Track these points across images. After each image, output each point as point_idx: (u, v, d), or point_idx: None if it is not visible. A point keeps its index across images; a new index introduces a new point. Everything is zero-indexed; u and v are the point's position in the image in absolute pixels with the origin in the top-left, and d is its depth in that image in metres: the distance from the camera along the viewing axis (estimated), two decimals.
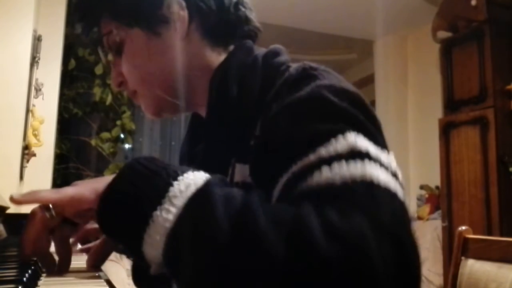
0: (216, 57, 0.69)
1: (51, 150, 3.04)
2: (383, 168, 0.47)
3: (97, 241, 0.70)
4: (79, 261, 0.68)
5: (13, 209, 2.17)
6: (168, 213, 0.42)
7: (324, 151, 0.47)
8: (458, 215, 3.21)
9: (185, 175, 0.46)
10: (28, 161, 2.70)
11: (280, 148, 0.51)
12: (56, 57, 3.08)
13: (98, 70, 3.61)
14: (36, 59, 2.68)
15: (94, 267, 0.66)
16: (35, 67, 2.71)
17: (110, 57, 0.72)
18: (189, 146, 0.75)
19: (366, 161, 0.46)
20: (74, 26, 3.51)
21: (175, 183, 0.44)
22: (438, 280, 3.42)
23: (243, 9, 0.70)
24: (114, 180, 0.47)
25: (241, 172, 0.60)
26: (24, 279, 0.52)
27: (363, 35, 4.43)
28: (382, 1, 3.62)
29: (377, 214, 0.42)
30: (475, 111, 3.21)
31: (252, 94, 0.62)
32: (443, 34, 3.55)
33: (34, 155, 2.73)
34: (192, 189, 0.44)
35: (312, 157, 0.47)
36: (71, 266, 0.64)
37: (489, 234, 2.95)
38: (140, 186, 0.45)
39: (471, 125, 3.23)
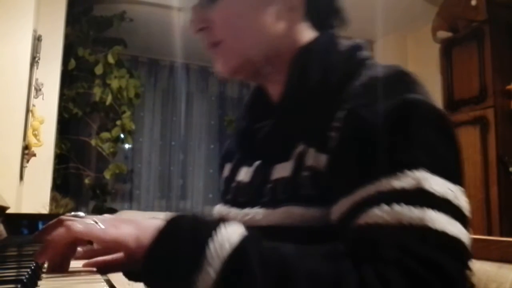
0: (306, 38, 0.69)
1: (51, 150, 3.04)
2: (446, 209, 0.49)
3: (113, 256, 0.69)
4: (78, 261, 0.68)
5: (13, 209, 2.17)
6: (207, 276, 0.46)
7: (391, 183, 0.50)
8: None
9: (218, 232, 0.48)
10: (28, 161, 2.70)
11: (354, 164, 0.54)
12: (56, 57, 3.08)
13: (98, 70, 3.61)
14: (36, 59, 2.68)
15: (99, 272, 0.67)
16: (35, 67, 2.71)
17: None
18: (250, 121, 0.74)
19: (427, 205, 0.48)
20: (74, 26, 3.51)
21: (210, 243, 0.47)
22: None
23: None
24: (154, 244, 0.49)
25: (315, 158, 0.60)
26: (24, 279, 0.52)
27: (363, 35, 4.41)
28: (382, 1, 3.62)
29: (419, 274, 0.45)
30: (475, 111, 3.21)
31: (333, 80, 0.63)
32: (443, 34, 3.55)
33: (34, 155, 2.73)
34: (227, 250, 0.47)
35: (378, 187, 0.50)
36: (72, 266, 0.64)
37: (489, 234, 2.94)
38: (179, 251, 0.48)
39: (471, 125, 3.23)
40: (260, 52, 0.68)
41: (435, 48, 3.68)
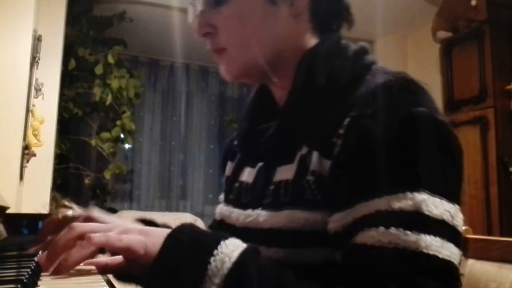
0: (311, 42, 0.69)
1: (51, 150, 3.04)
2: (441, 232, 0.50)
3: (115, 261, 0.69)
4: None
5: (13, 209, 2.17)
6: None
7: (390, 203, 0.51)
8: None
9: (219, 248, 0.50)
10: (28, 161, 2.69)
11: (356, 177, 0.55)
12: (56, 57, 3.08)
13: (98, 70, 3.60)
14: (36, 59, 2.68)
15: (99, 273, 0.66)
16: (35, 67, 2.70)
17: (200, 2, 0.69)
18: (253, 123, 0.74)
19: (423, 230, 0.50)
20: (74, 26, 3.51)
21: (211, 259, 0.48)
22: None
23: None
24: (158, 258, 0.50)
25: (319, 162, 0.60)
26: (24, 279, 0.52)
27: (363, 35, 4.40)
28: (382, 1, 3.62)
29: None
30: (475, 111, 3.21)
31: (340, 84, 0.62)
32: (443, 34, 3.54)
33: (34, 155, 2.73)
34: (228, 266, 0.48)
35: (377, 205, 0.51)
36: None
37: (489, 234, 2.94)
38: (182, 266, 0.49)
39: (471, 125, 3.23)
40: (264, 59, 0.67)
41: (435, 48, 3.68)
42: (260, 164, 0.71)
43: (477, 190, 3.13)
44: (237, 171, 0.78)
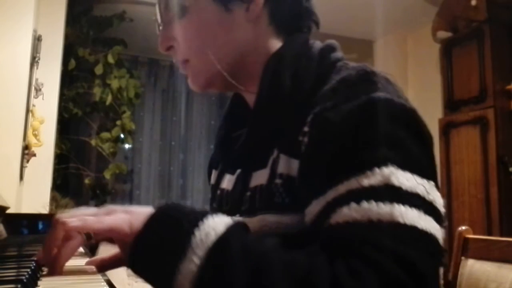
0: (276, 45, 0.69)
1: (51, 150, 3.04)
2: (417, 204, 0.49)
3: (110, 254, 0.69)
4: (79, 261, 0.67)
5: (13, 209, 2.17)
6: (191, 263, 0.46)
7: (360, 181, 0.50)
8: (458, 215, 3.21)
9: (205, 221, 0.49)
10: (28, 161, 2.70)
11: (324, 166, 0.54)
12: (56, 57, 3.08)
13: (98, 70, 3.60)
14: (36, 59, 2.68)
15: (98, 271, 0.67)
16: (35, 67, 2.70)
17: (160, 17, 0.70)
18: (229, 130, 0.74)
19: (396, 200, 0.48)
20: (74, 26, 3.51)
21: (196, 231, 0.48)
22: None
23: (311, 1, 0.71)
24: (143, 230, 0.50)
25: (286, 164, 0.60)
26: (24, 279, 0.52)
27: (363, 35, 4.42)
28: (382, 1, 3.62)
29: (391, 270, 0.45)
30: (475, 111, 3.21)
31: (305, 85, 0.62)
32: (443, 34, 3.55)
33: (34, 155, 2.73)
34: (212, 239, 0.47)
35: (348, 186, 0.50)
36: (72, 266, 0.64)
37: (489, 234, 2.94)
38: (166, 237, 0.49)
39: (471, 125, 3.23)
40: (227, 66, 0.68)
41: (435, 48, 3.68)
42: (238, 171, 0.72)
43: (477, 190, 3.13)
44: (219, 179, 0.78)
